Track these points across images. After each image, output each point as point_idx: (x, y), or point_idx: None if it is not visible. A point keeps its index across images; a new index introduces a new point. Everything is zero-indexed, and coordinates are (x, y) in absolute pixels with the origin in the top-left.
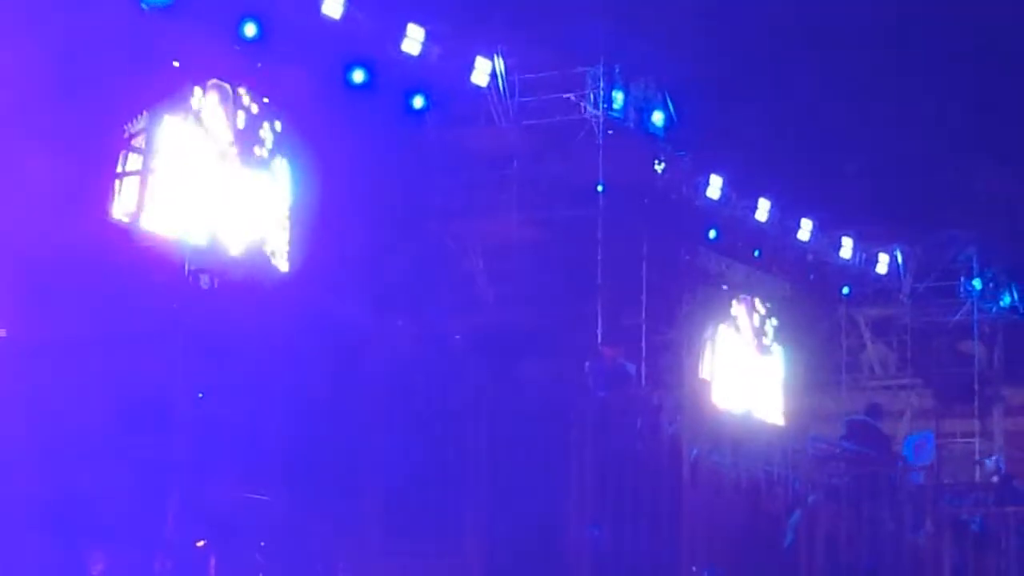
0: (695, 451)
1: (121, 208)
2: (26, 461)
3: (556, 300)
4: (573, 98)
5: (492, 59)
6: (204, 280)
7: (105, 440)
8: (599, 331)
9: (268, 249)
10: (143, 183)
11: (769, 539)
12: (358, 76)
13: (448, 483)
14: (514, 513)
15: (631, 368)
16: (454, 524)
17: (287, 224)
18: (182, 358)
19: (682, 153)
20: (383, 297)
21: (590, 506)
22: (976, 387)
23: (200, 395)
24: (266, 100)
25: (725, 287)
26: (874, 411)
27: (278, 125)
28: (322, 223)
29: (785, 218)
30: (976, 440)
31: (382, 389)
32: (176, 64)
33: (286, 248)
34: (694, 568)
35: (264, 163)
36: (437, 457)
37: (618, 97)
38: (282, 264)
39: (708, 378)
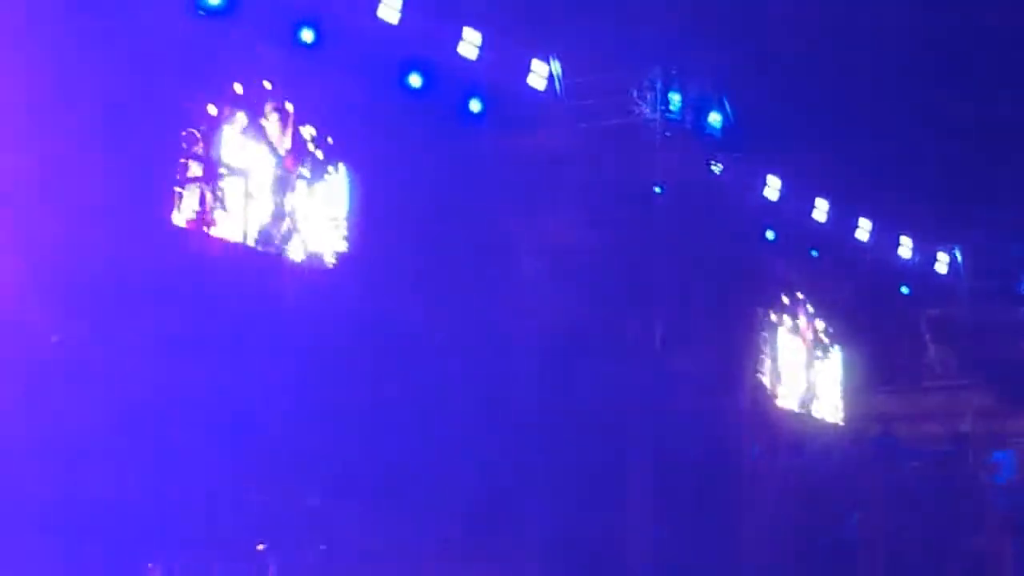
0: (755, 451)
1: (182, 214)
2: (82, 467)
3: (614, 302)
4: (630, 100)
5: (548, 62)
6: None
7: (162, 445)
8: (657, 332)
9: (325, 253)
10: (204, 189)
11: (829, 538)
12: (415, 80)
13: (508, 483)
14: (574, 512)
15: (690, 368)
16: (514, 524)
17: (345, 228)
18: (241, 363)
19: (739, 154)
20: (442, 301)
21: (650, 506)
22: None
23: (254, 399)
24: (320, 107)
25: (783, 288)
26: (961, 441)
27: (333, 133)
28: (380, 227)
29: (843, 218)
30: None
31: (441, 392)
32: (235, 71)
33: (342, 252)
34: (753, 567)
35: (322, 167)
36: (498, 457)
37: (675, 98)
38: (336, 266)
39: (767, 379)
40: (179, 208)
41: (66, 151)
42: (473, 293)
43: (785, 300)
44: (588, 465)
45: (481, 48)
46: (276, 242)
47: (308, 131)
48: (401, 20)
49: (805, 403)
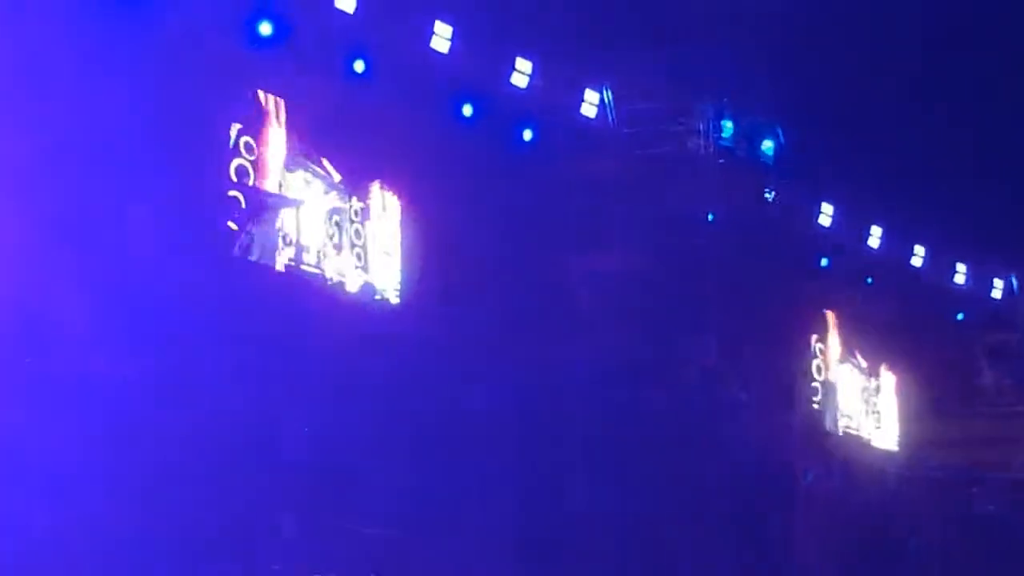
0: (808, 476)
1: (234, 245)
2: (139, 495)
3: (668, 330)
4: (682, 128)
5: (601, 91)
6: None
7: (218, 474)
8: (711, 360)
9: (379, 285)
10: (256, 220)
11: (884, 565)
12: (466, 110)
13: (563, 511)
14: (628, 541)
15: (744, 396)
16: (568, 551)
17: (397, 259)
18: (295, 393)
19: (792, 181)
20: (492, 330)
21: (705, 532)
22: None
23: (306, 429)
24: (372, 137)
25: (837, 315)
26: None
27: (385, 164)
28: (431, 257)
29: (898, 245)
30: None
31: (491, 420)
32: (287, 100)
33: (396, 283)
34: None
35: (374, 197)
36: (553, 486)
37: (727, 126)
38: (392, 299)
39: (821, 404)
40: (231, 239)
41: (117, 182)
42: (526, 322)
43: (839, 327)
44: (643, 493)
45: (532, 77)
46: (329, 273)
47: (360, 161)
48: (451, 50)
49: (859, 429)
